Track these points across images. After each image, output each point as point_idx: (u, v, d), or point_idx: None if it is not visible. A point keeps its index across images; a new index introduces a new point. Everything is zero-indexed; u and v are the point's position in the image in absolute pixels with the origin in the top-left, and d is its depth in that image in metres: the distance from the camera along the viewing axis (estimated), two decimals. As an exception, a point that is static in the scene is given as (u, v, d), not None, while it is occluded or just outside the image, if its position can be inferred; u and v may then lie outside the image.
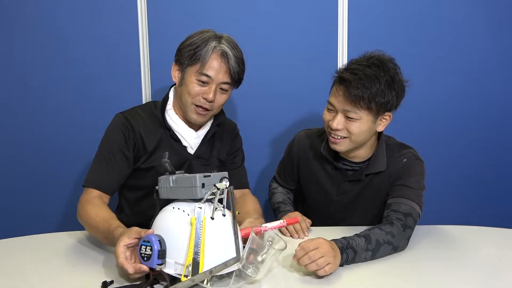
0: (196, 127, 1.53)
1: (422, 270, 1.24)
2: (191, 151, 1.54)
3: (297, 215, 1.51)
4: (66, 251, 1.34)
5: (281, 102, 2.07)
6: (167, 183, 1.17)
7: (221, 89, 1.45)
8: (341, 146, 1.46)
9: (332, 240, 1.23)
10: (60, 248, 1.36)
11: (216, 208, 1.10)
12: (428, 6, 2.02)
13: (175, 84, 1.53)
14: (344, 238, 1.26)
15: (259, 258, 1.11)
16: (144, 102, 2.00)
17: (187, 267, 1.02)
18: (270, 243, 1.12)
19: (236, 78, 1.46)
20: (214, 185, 1.10)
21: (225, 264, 1.07)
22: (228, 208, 1.15)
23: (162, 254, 1.05)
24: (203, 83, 1.42)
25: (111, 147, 1.46)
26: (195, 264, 1.02)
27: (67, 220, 2.10)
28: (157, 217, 1.15)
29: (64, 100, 2.01)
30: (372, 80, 1.36)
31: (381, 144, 1.51)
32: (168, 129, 1.51)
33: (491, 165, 2.18)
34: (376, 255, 1.27)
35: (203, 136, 1.55)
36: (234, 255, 1.09)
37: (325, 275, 1.16)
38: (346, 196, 1.57)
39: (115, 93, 2.01)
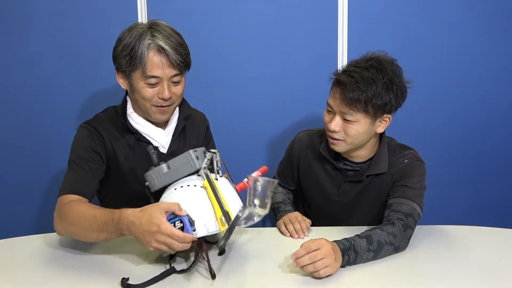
0: (162, 125, 1.49)
1: (422, 270, 1.24)
2: (164, 150, 1.48)
3: (297, 215, 1.51)
4: (66, 251, 1.34)
5: (281, 103, 2.07)
6: (159, 172, 1.24)
7: (174, 82, 1.38)
8: (339, 147, 1.46)
9: (334, 241, 1.23)
10: (60, 248, 1.36)
11: (217, 171, 1.24)
12: (428, 6, 2.03)
13: None
14: (345, 239, 1.25)
15: (262, 198, 1.21)
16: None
17: (220, 218, 1.13)
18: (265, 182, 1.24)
19: (183, 66, 1.37)
20: (209, 151, 1.24)
21: (240, 211, 1.18)
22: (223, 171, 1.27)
23: (192, 221, 1.12)
24: (153, 84, 1.36)
25: (79, 153, 1.40)
26: (225, 213, 1.13)
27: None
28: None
29: (64, 100, 2.01)
30: (368, 83, 1.35)
31: (383, 146, 1.51)
32: (135, 133, 1.46)
33: (491, 165, 2.18)
34: (378, 256, 1.27)
35: (173, 132, 1.50)
36: (241, 204, 1.21)
37: (321, 278, 1.15)
38: (347, 197, 1.57)
39: (115, 93, 2.00)
